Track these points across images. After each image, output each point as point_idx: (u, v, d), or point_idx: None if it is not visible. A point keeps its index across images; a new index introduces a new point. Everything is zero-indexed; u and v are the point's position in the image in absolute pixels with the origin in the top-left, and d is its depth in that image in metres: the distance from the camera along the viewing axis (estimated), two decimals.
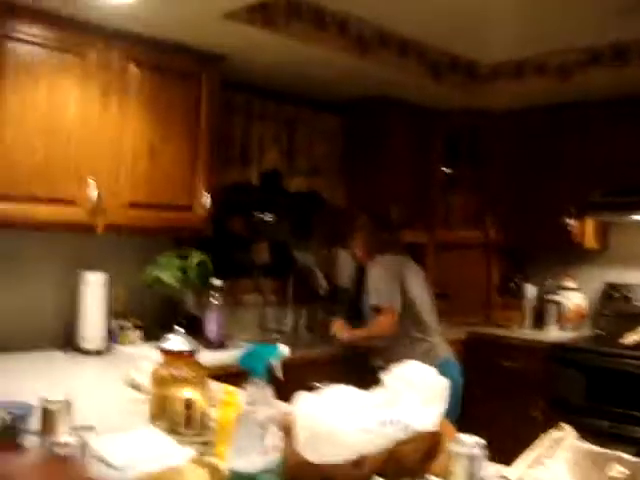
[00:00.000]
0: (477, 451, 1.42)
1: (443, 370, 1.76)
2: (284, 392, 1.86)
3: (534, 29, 3.59)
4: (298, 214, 4.73)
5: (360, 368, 3.59)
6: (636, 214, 4.13)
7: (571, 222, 4.33)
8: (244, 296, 4.17)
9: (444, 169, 4.78)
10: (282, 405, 1.74)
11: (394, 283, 3.54)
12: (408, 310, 3.54)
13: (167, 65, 3.33)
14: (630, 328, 4.06)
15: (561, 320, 4.53)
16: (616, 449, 1.56)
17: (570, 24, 3.46)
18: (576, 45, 3.76)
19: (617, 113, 4.16)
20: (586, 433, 1.78)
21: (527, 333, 4.49)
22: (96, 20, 2.99)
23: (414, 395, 1.63)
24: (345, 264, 4.70)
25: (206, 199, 3.45)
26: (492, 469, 1.49)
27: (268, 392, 1.51)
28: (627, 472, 1.36)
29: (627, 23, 3.27)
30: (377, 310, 3.55)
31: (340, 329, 3.72)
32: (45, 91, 2.92)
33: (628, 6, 2.95)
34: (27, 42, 2.86)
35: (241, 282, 4.20)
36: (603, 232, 4.54)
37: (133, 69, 3.19)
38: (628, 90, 3.93)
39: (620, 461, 1.39)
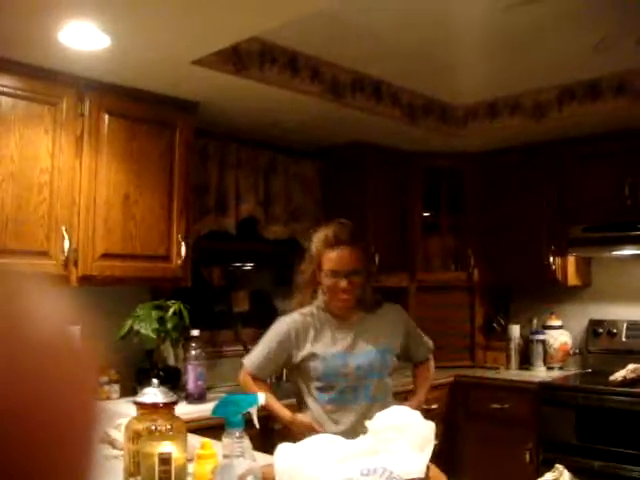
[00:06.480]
0: None
1: None
2: (267, 442, 1.79)
3: (506, 70, 3.62)
4: (278, 262, 4.68)
5: None
6: (617, 249, 4.12)
7: (552, 259, 4.32)
8: (224, 346, 4.08)
9: (424, 212, 4.77)
10: (262, 456, 1.67)
11: None
12: None
13: (140, 114, 3.29)
14: (617, 364, 4.01)
15: (547, 359, 4.47)
16: None
17: (542, 63, 3.49)
18: (549, 84, 3.80)
19: (589, 150, 4.18)
20: (579, 473, 1.71)
21: (514, 374, 4.42)
22: (67, 69, 2.96)
23: (401, 441, 1.56)
24: None
25: (182, 249, 3.39)
26: None
27: (246, 443, 1.44)
28: None
29: (599, 59, 3.30)
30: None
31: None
32: (16, 141, 2.86)
33: (604, 42, 2.97)
34: None
35: (221, 332, 4.11)
36: (585, 268, 4.52)
37: (105, 118, 3.15)
38: (600, 127, 3.95)
39: None
